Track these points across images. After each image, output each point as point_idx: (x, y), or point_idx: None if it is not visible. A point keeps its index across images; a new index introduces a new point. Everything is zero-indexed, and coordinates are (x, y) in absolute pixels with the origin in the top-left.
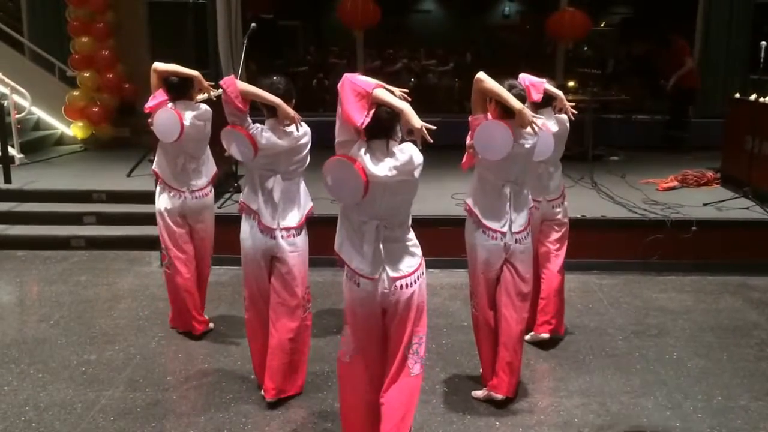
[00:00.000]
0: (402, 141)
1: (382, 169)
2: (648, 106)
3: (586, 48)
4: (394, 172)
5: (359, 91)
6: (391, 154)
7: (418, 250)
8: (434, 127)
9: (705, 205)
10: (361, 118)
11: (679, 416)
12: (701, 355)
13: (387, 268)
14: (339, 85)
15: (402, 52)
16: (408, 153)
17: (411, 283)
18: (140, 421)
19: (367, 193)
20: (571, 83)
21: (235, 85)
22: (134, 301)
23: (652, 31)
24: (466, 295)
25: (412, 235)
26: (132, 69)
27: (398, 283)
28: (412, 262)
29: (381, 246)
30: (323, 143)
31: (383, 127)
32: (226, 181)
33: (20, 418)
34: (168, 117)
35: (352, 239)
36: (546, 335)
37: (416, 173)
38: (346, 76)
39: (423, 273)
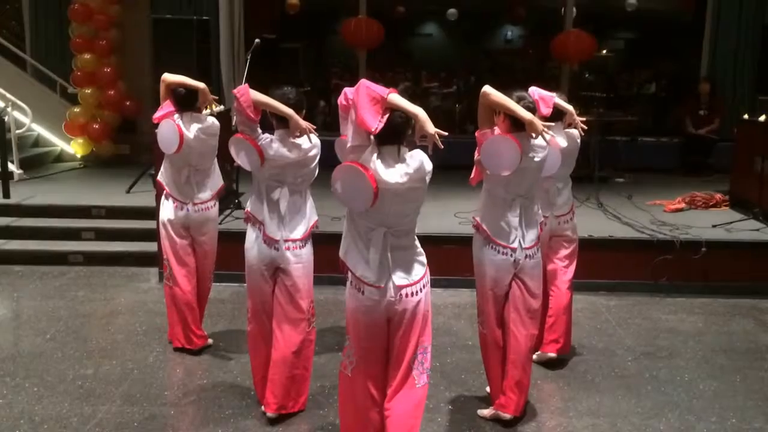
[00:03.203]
0: (413, 147)
1: (394, 175)
2: (654, 128)
3: (587, 75)
4: (406, 178)
5: (374, 95)
6: (402, 160)
7: (424, 259)
8: (446, 134)
9: (714, 226)
10: (376, 122)
11: None
12: (714, 377)
13: (393, 277)
14: (354, 90)
15: (403, 74)
16: (418, 159)
17: (417, 292)
18: None
19: (376, 200)
20: (576, 110)
21: (249, 94)
22: (132, 316)
23: (657, 55)
24: (469, 314)
25: (417, 243)
26: (133, 86)
27: (404, 292)
28: (419, 270)
29: (389, 254)
30: (324, 162)
31: (395, 133)
32: (227, 198)
33: None
34: (168, 128)
35: (358, 246)
36: (553, 354)
37: (426, 180)
38: (362, 81)
39: (428, 281)
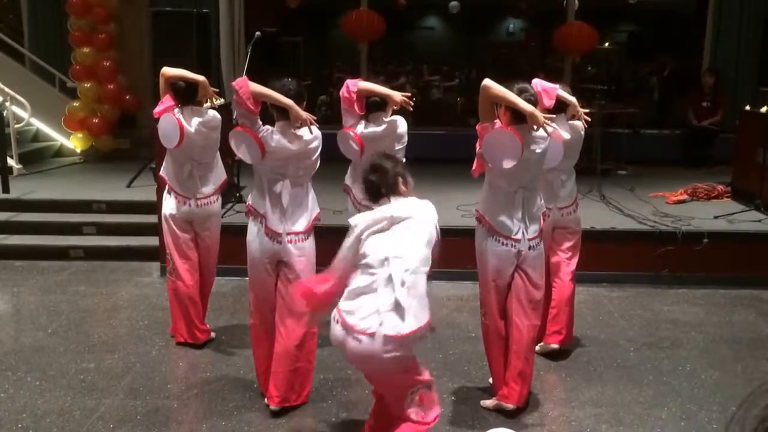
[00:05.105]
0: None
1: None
2: (656, 120)
3: (589, 67)
4: (412, 214)
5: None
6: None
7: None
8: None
9: (716, 217)
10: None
11: (694, 427)
12: (715, 367)
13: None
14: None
15: (405, 67)
16: (407, 201)
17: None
18: (140, 429)
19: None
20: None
21: (248, 86)
22: (134, 310)
23: (659, 48)
24: (472, 307)
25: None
26: (133, 80)
27: (361, 339)
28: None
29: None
30: (329, 155)
31: (377, 193)
32: (229, 191)
33: (17, 425)
34: (168, 123)
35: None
36: (556, 346)
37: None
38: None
39: (399, 344)
